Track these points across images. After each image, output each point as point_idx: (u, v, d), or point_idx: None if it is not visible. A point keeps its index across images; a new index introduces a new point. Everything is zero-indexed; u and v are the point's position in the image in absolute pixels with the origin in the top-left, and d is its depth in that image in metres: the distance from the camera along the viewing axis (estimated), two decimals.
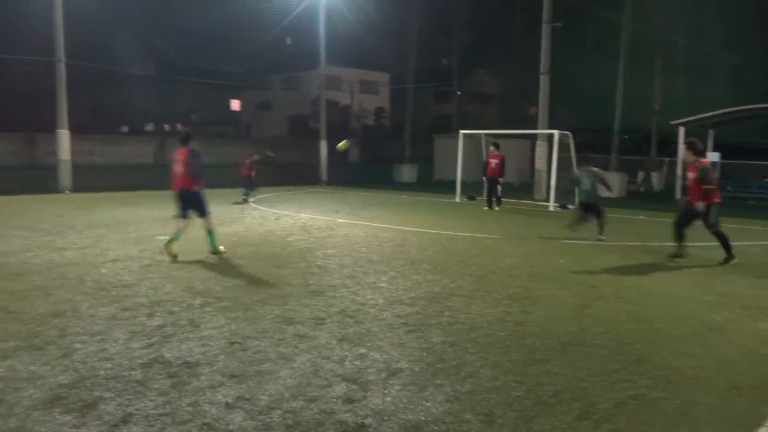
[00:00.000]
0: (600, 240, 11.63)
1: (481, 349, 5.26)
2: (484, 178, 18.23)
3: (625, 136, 28.96)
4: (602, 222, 11.79)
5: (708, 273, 8.89)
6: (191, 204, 9.41)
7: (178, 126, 53.62)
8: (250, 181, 18.70)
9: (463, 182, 21.24)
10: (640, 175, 27.64)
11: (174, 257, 8.91)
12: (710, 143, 23.96)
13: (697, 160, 9.46)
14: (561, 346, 5.40)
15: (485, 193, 18.36)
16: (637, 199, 22.43)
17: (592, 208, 11.82)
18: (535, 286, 7.75)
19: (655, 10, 27.33)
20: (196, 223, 9.48)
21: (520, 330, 5.84)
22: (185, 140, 9.65)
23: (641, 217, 16.28)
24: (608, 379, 4.65)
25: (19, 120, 26.17)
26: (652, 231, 13.66)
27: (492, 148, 18.04)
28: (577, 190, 12.80)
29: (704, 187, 9.24)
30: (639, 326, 6.06)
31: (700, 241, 11.54)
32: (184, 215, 9.38)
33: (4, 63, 28.09)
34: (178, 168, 9.35)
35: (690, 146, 9.66)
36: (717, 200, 9.41)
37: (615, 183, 23.47)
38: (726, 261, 9.45)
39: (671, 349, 5.39)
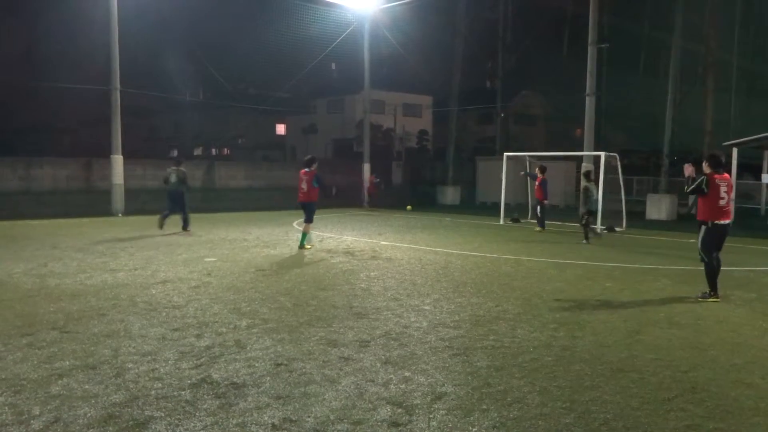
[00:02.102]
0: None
1: (528, 374, 5.17)
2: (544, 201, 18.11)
3: (675, 158, 28.26)
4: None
5: (764, 299, 8.54)
6: (307, 212, 12.67)
7: (225, 150, 54.99)
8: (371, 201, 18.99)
9: (506, 204, 21.04)
10: (691, 198, 26.82)
11: (309, 247, 12.64)
12: (765, 165, 23.16)
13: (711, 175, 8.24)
14: (611, 372, 5.26)
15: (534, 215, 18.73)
16: (687, 222, 21.74)
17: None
18: (582, 310, 7.59)
19: (706, 28, 26.77)
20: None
21: (567, 355, 5.72)
22: (309, 164, 12.65)
23: (692, 241, 15.76)
24: (662, 408, 4.49)
25: (77, 146, 27.35)
26: None
27: (537, 170, 18.11)
28: (585, 200, 14.87)
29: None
30: (693, 353, 5.85)
31: (761, 265, 11.14)
32: (307, 219, 12.75)
33: (64, 92, 29.48)
34: (302, 185, 12.59)
35: (709, 159, 8.53)
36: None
37: (664, 206, 22.88)
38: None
39: (728, 378, 5.18)
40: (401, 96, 48.52)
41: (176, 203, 15.90)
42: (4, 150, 25.98)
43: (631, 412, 4.40)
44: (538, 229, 17.72)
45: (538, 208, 17.85)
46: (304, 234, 12.96)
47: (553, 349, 5.92)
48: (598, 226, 17.86)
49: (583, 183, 15.48)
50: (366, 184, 26.26)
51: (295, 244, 13.80)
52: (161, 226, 15.52)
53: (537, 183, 17.73)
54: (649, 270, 10.94)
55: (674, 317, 7.29)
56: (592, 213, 15.00)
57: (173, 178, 16.11)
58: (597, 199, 14.70)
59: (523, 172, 19.86)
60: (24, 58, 31.09)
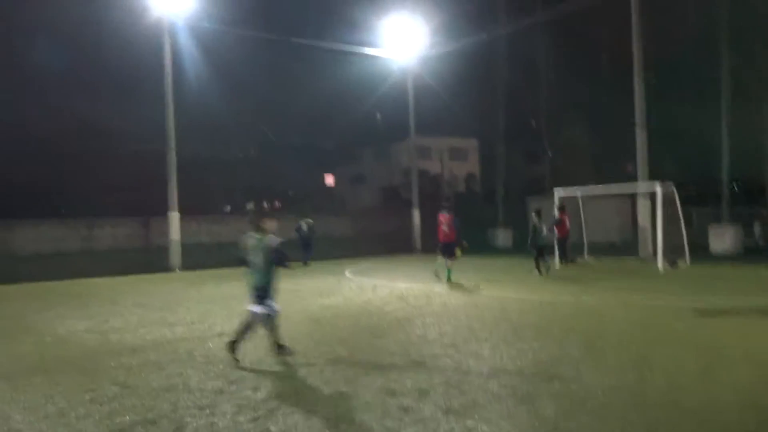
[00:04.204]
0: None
1: (599, 420, 4.88)
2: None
3: (736, 186, 27.17)
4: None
5: None
6: (449, 251, 14.84)
7: (276, 203, 56.11)
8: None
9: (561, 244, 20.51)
10: (758, 228, 25.65)
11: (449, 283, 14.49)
12: None
13: None
14: (689, 416, 4.91)
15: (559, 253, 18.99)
16: (756, 253, 20.74)
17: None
18: (651, 350, 7.20)
19: (760, 47, 26.00)
20: (296, 298, 9.66)
21: (640, 399, 5.39)
22: (448, 209, 15.31)
23: (765, 273, 14.97)
24: None
25: (134, 205, 28.36)
26: None
27: (556, 211, 19.04)
28: (533, 237, 16.12)
29: None
30: None
31: None
32: (449, 256, 14.90)
33: (122, 154, 30.84)
34: (443, 228, 14.88)
35: None
36: None
37: (728, 237, 21.92)
38: None
39: None
40: (447, 140, 48.74)
41: (308, 247, 19.61)
42: (66, 213, 27.14)
43: None
44: (558, 264, 18.37)
45: (558, 244, 18.70)
46: (449, 270, 15.04)
47: (623, 392, 5.59)
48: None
49: (533, 220, 16.52)
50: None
51: (348, 293, 13.76)
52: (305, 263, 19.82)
53: (561, 221, 18.65)
54: (719, 306, 10.38)
55: (753, 355, 6.83)
56: (543, 247, 16.21)
57: (305, 227, 20.72)
58: (545, 236, 16.26)
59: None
60: (82, 121, 32.74)
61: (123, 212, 28.43)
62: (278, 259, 7.32)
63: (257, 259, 7.24)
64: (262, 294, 7.24)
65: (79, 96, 33.70)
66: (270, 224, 7.46)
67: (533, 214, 16.82)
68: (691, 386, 5.72)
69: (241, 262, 7.47)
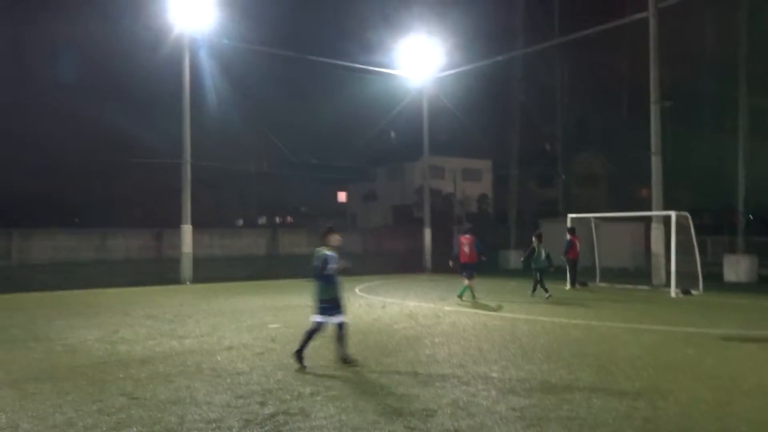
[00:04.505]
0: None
1: None
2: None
3: (750, 216, 26.92)
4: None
5: None
6: (470, 270, 15.29)
7: (288, 218, 56.30)
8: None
9: (573, 267, 20.37)
10: None
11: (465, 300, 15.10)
12: None
13: None
14: None
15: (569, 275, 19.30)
16: None
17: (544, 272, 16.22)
18: (663, 378, 7.10)
19: None
20: (306, 314, 9.66)
21: (651, 428, 5.31)
22: (470, 231, 16.21)
23: None
24: None
25: (148, 217, 28.61)
26: None
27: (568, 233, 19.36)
28: (534, 259, 16.39)
29: None
30: None
31: None
32: (469, 276, 15.24)
33: (137, 166, 31.16)
34: (465, 249, 15.43)
35: None
36: None
37: (743, 267, 21.67)
38: None
39: None
40: (460, 161, 48.80)
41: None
42: (81, 224, 27.42)
43: None
44: (568, 287, 18.72)
45: (569, 266, 19.07)
46: (465, 287, 15.41)
47: (634, 420, 5.51)
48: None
49: (533, 243, 16.69)
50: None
51: (358, 310, 13.73)
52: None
53: (571, 244, 18.96)
54: (732, 335, 10.23)
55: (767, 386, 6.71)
56: (541, 270, 16.30)
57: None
58: (544, 259, 16.31)
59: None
60: (102, 136, 33.22)
61: (136, 224, 28.67)
62: (314, 267, 7.71)
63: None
64: (326, 306, 7.72)
65: (97, 109, 34.23)
66: (334, 239, 7.90)
67: (534, 237, 16.96)
68: (703, 417, 5.63)
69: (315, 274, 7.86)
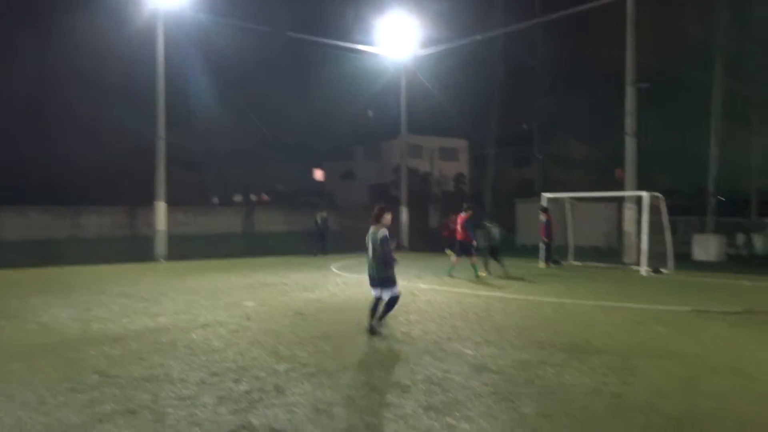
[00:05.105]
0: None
1: (578, 422, 4.92)
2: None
3: (721, 197, 27.46)
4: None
5: None
6: (465, 249, 15.69)
7: (264, 196, 55.94)
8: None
9: (547, 246, 20.62)
10: (741, 238, 25.94)
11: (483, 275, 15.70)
12: None
13: None
14: (668, 422, 4.96)
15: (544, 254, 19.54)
16: (738, 263, 20.96)
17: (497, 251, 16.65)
18: (633, 355, 7.26)
19: (749, 64, 26.31)
20: (281, 292, 9.64)
21: (620, 403, 5.44)
22: (464, 209, 16.23)
23: (746, 283, 15.14)
24: None
25: (121, 194, 28.16)
26: (760, 297, 12.66)
27: (540, 213, 19.60)
28: (487, 238, 16.96)
29: None
30: (759, 402, 5.50)
31: None
32: (459, 254, 15.90)
33: (110, 142, 30.61)
34: (458, 227, 16.03)
35: None
36: None
37: (712, 246, 22.13)
38: None
39: None
40: (438, 140, 48.83)
41: (323, 239, 22.43)
42: (53, 200, 26.90)
43: None
44: (542, 265, 19.03)
45: (543, 246, 19.36)
46: (474, 265, 15.75)
47: (603, 396, 5.64)
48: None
49: (487, 224, 17.23)
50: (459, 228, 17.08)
51: (334, 288, 13.76)
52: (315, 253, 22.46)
53: (543, 225, 19.27)
54: (701, 313, 10.48)
55: (734, 363, 6.90)
56: (493, 249, 16.79)
57: (319, 220, 23.43)
58: (495, 237, 16.89)
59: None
60: (70, 111, 32.45)
61: (110, 201, 28.24)
62: (384, 253, 8.12)
63: (370, 249, 8.20)
64: (376, 282, 8.20)
65: (69, 84, 33.42)
66: (387, 219, 8.34)
67: (487, 218, 17.73)
68: (672, 393, 5.77)
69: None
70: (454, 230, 17.08)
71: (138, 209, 27.23)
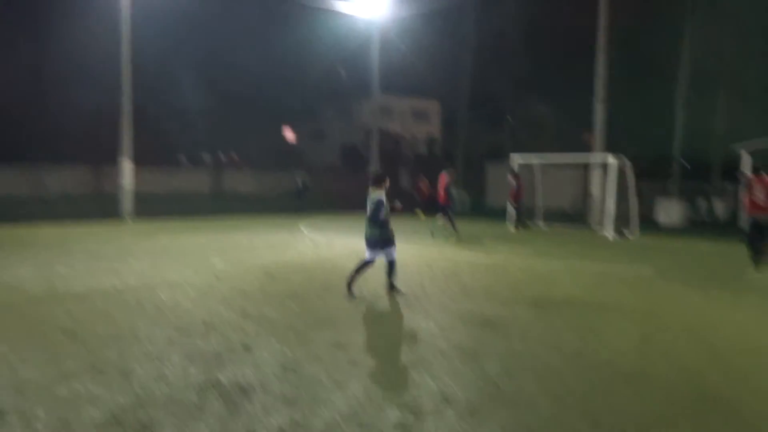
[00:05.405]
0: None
1: (539, 378, 5.08)
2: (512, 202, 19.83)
3: (685, 162, 28.03)
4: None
5: None
6: (444, 210, 16.23)
7: (233, 155, 55.09)
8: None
9: (517, 209, 20.88)
10: (702, 203, 26.63)
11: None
12: None
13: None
14: (624, 377, 5.16)
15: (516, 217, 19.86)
16: (699, 227, 21.57)
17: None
18: (594, 315, 7.49)
19: (717, 32, 26.58)
20: (250, 252, 9.60)
21: (579, 360, 5.63)
22: (448, 171, 16.68)
23: (704, 246, 15.62)
24: (677, 414, 4.39)
25: (86, 151, 27.47)
26: (716, 260, 13.08)
27: (510, 176, 19.78)
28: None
29: None
30: (707, 359, 5.75)
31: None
32: (446, 214, 16.21)
33: (74, 98, 29.67)
34: (441, 190, 16.29)
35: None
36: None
37: (675, 211, 22.68)
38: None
39: (744, 384, 5.08)
40: (410, 101, 48.54)
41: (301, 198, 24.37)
42: (15, 157, 26.13)
43: (644, 419, 4.30)
44: (512, 228, 19.33)
45: (515, 210, 19.57)
46: (452, 228, 16.13)
47: (564, 353, 5.82)
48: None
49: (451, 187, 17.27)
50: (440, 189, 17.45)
51: (303, 248, 13.78)
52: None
53: (513, 188, 19.44)
54: (660, 275, 10.81)
55: (688, 322, 7.18)
56: (452, 211, 16.88)
57: (299, 182, 25.07)
58: (457, 200, 17.64)
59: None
60: (34, 65, 31.32)
61: (74, 158, 27.53)
62: (373, 213, 8.21)
63: (368, 212, 8.30)
64: (374, 244, 8.24)
65: (30, 38, 32.10)
66: (386, 183, 8.49)
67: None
68: (628, 351, 5.99)
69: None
70: (431, 193, 17.30)
71: (103, 167, 26.64)
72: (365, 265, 8.37)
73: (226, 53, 39.31)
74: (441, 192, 16.49)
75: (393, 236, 8.41)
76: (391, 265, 8.45)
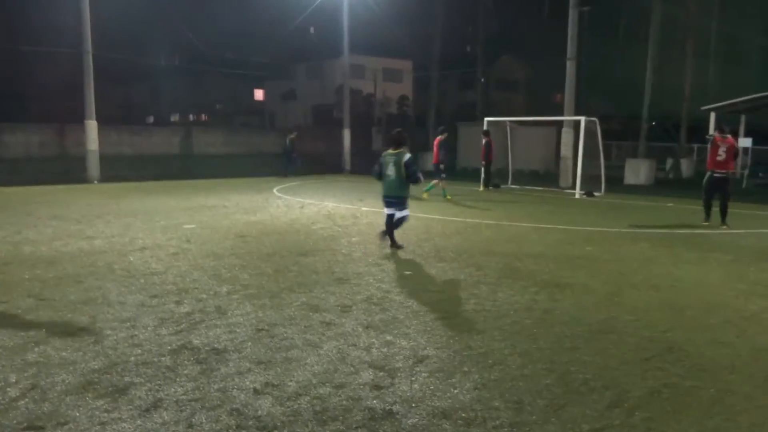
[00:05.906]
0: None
1: (509, 336, 5.21)
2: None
3: (653, 123, 28.40)
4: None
5: (741, 261, 8.68)
6: (437, 169, 16.29)
7: (203, 117, 54.06)
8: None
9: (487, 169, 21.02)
10: (669, 162, 27.13)
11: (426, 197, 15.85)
12: (742, 129, 23.39)
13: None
14: (590, 334, 5.32)
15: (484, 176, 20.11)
16: (665, 186, 22.01)
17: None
18: (563, 274, 7.65)
19: None
20: (222, 215, 9.52)
21: (548, 318, 5.77)
22: (441, 132, 16.56)
23: (670, 205, 15.98)
24: (640, 367, 4.56)
25: (50, 112, 26.66)
26: (682, 219, 13.41)
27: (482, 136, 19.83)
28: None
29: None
30: (671, 314, 5.95)
31: (738, 228, 11.31)
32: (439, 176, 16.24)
33: (34, 56, 28.62)
34: (435, 150, 16.52)
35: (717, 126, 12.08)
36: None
37: (643, 171, 23.07)
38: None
39: (705, 337, 5.28)
40: (382, 61, 47.93)
41: (291, 161, 24.00)
42: None
43: (609, 371, 4.46)
44: (482, 188, 19.56)
45: (483, 169, 19.78)
46: (431, 186, 16.23)
47: (533, 312, 5.97)
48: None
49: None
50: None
51: (276, 211, 13.72)
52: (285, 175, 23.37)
53: (483, 147, 19.58)
54: (627, 234, 11.06)
55: (652, 279, 7.39)
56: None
57: (288, 142, 24.53)
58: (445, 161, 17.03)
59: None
60: None
61: (36, 118, 26.71)
62: (412, 172, 8.65)
63: (391, 172, 8.69)
64: (394, 202, 8.81)
65: None
66: (407, 143, 8.84)
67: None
68: (594, 307, 6.16)
69: (379, 175, 8.92)
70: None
71: (67, 128, 25.91)
72: (390, 218, 8.98)
73: (194, 10, 38.18)
74: (435, 151, 16.60)
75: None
76: (400, 222, 8.99)
